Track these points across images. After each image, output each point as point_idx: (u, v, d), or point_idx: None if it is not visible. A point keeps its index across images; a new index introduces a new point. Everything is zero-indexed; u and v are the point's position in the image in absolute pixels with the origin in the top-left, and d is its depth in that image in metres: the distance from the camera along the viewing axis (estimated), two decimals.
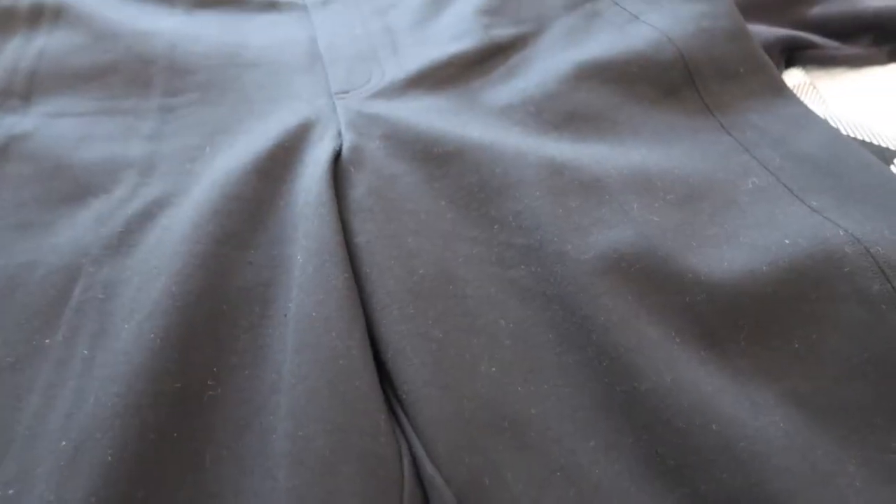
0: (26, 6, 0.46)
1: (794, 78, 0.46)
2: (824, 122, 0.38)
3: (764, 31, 0.46)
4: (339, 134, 0.40)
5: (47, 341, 0.33)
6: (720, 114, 0.40)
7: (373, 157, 0.38)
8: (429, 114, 0.40)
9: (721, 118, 0.40)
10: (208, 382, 0.31)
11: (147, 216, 0.37)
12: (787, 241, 0.32)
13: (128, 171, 0.39)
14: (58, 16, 0.46)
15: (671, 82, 0.41)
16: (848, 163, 0.36)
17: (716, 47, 0.41)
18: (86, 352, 0.32)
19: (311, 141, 0.40)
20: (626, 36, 0.43)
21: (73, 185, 0.38)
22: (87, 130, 0.41)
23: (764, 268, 0.31)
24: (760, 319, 0.31)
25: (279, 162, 0.38)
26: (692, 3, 0.43)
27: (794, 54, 0.47)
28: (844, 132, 0.41)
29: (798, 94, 0.43)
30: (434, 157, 0.38)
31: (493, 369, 0.31)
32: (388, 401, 0.30)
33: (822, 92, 0.45)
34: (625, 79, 0.41)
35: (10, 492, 0.28)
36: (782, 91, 0.40)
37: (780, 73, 0.46)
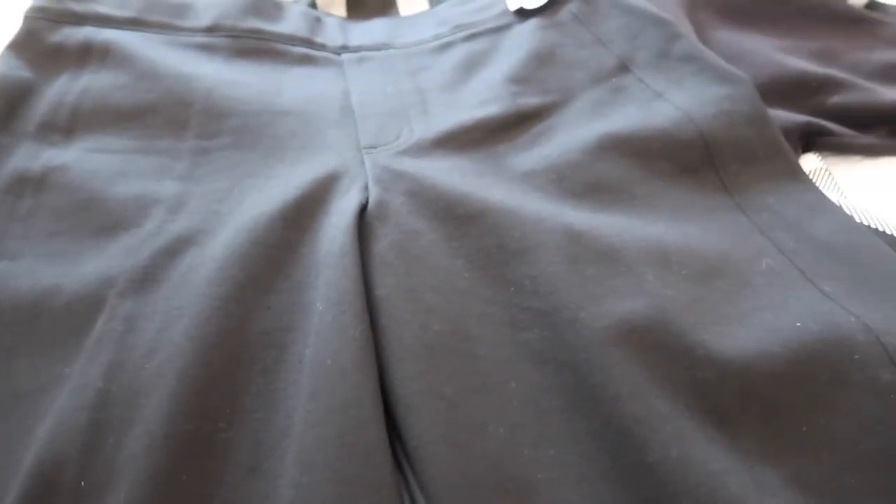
0: (75, 45, 0.48)
1: (810, 163, 0.47)
2: (839, 209, 0.39)
3: (783, 115, 0.48)
4: (366, 187, 0.41)
5: (67, 370, 0.33)
6: (737, 194, 0.41)
7: (396, 213, 0.39)
8: (453, 174, 0.41)
9: (738, 199, 0.40)
10: (220, 424, 0.31)
11: (172, 253, 0.37)
12: (798, 325, 0.32)
13: (157, 207, 0.40)
14: (105, 55, 0.48)
15: (691, 161, 0.42)
16: (862, 250, 0.36)
17: (736, 130, 0.42)
18: (101, 384, 0.32)
19: (338, 192, 0.41)
20: (649, 112, 0.44)
21: (104, 218, 0.39)
22: (122, 167, 0.42)
23: (775, 349, 0.32)
24: (769, 401, 0.31)
25: (305, 211, 0.39)
26: (715, 85, 0.44)
27: (810, 140, 0.48)
28: (859, 220, 0.41)
29: (813, 179, 0.44)
30: (455, 217, 0.39)
31: (502, 430, 0.31)
32: (394, 454, 0.31)
33: (837, 178, 0.46)
34: (646, 154, 0.42)
35: None
36: (799, 176, 0.41)
37: (797, 157, 0.47)
